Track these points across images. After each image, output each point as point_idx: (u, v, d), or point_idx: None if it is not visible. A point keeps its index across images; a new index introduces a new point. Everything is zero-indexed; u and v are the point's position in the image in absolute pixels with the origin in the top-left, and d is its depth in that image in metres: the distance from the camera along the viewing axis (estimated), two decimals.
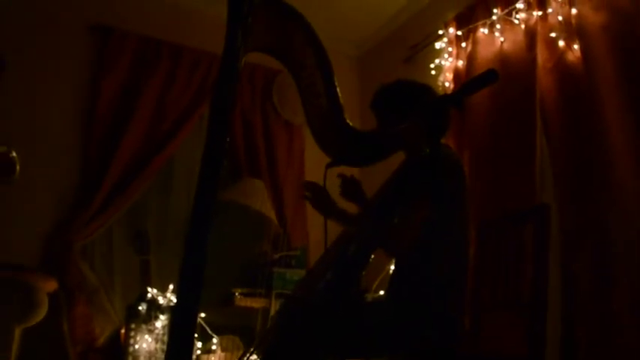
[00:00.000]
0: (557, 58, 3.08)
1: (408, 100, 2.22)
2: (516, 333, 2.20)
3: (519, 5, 3.32)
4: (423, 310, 2.02)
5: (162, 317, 3.35)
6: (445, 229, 2.08)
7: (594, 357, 2.61)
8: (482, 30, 3.57)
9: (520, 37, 3.33)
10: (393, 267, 2.30)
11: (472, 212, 2.85)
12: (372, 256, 2.18)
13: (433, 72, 3.85)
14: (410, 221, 2.04)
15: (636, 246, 2.58)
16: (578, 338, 2.67)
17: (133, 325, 3.34)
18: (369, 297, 3.32)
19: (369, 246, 2.16)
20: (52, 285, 3.27)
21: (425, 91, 2.30)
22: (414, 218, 2.02)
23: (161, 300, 3.40)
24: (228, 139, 1.68)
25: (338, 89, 2.03)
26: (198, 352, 3.50)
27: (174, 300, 3.33)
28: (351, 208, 2.32)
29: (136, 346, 3.33)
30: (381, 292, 3.33)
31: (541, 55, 3.15)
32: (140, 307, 3.35)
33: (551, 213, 2.35)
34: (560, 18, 3.08)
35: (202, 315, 3.48)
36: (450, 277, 2.09)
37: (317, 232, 2.75)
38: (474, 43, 3.63)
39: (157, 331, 3.33)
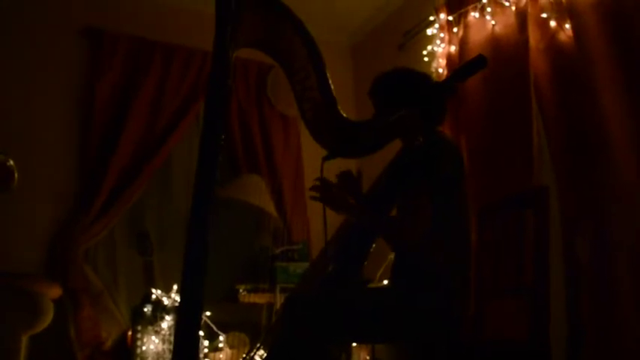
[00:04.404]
0: (550, 38, 3.07)
1: (406, 88, 2.21)
2: (519, 319, 2.19)
3: None
4: (426, 296, 2.02)
5: (167, 318, 3.36)
6: (446, 216, 2.07)
7: (600, 340, 2.61)
8: (473, 14, 3.54)
9: (511, 19, 3.30)
10: (394, 256, 2.29)
11: (471, 198, 2.85)
12: (374, 245, 2.19)
13: (426, 59, 3.83)
14: (411, 211, 2.05)
15: (636, 225, 2.58)
16: (582, 321, 2.66)
17: (139, 327, 3.35)
18: (373, 286, 3.32)
19: (369, 237, 2.16)
20: (56, 291, 3.28)
21: (422, 79, 2.30)
22: (414, 208, 2.03)
23: (166, 301, 3.41)
24: (224, 136, 1.68)
25: (330, 81, 2.03)
26: (206, 350, 3.52)
27: (179, 300, 3.34)
28: None
29: (144, 348, 3.34)
30: (385, 282, 3.33)
31: (533, 36, 3.13)
32: (145, 309, 3.36)
33: (550, 195, 2.34)
34: None
35: (208, 313, 3.50)
36: (453, 264, 2.09)
37: (317, 224, 2.75)
38: (466, 27, 3.60)
39: (163, 332, 3.34)
